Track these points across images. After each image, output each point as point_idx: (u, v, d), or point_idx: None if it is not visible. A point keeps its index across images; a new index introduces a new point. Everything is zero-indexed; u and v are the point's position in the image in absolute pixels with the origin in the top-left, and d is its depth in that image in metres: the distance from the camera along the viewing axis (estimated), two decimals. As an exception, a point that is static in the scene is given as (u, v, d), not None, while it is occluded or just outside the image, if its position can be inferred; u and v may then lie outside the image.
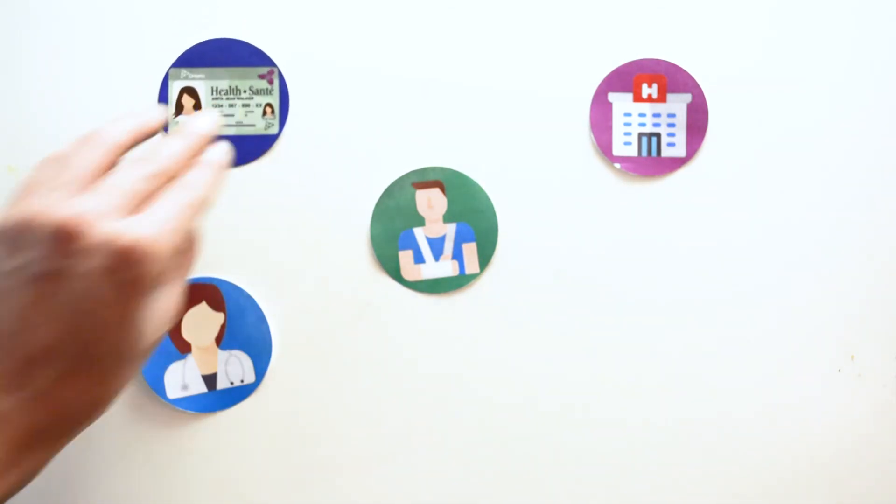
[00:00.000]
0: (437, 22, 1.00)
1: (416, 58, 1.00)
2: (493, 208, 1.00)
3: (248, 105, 1.01)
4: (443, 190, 1.00)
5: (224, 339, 1.00)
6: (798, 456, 0.99)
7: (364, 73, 1.00)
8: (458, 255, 1.00)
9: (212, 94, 1.01)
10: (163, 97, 1.01)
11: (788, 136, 0.99)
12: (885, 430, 0.99)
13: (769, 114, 0.99)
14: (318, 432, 1.01)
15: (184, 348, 0.99)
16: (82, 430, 0.62)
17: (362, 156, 1.01)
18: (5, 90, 1.01)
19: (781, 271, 0.99)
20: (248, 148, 1.01)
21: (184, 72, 1.01)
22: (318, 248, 1.01)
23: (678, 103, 0.99)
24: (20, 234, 0.55)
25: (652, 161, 0.99)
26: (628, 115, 0.99)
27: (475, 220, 1.00)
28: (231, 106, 1.01)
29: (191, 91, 1.01)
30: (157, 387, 0.99)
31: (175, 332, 0.99)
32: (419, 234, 1.00)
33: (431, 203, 1.00)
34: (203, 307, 1.00)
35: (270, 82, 1.01)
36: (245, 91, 1.01)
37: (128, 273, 0.56)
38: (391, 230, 1.00)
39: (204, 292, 1.00)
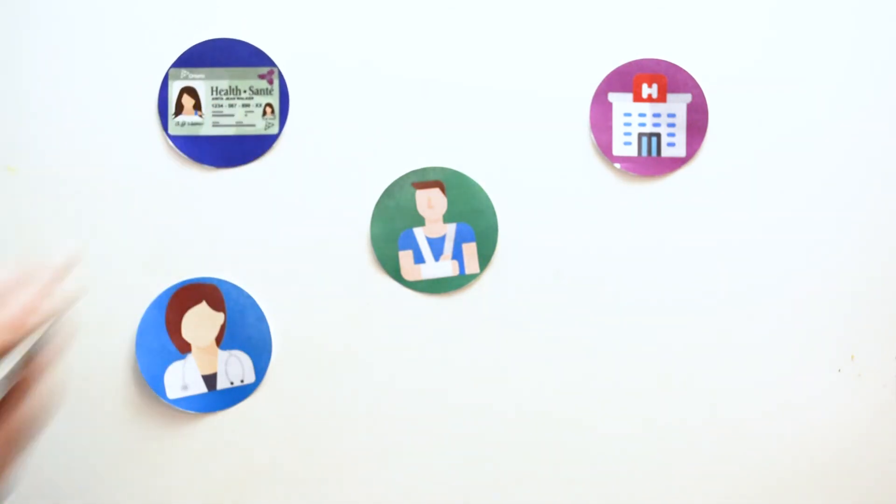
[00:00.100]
0: (437, 22, 1.00)
1: (416, 58, 1.00)
2: (493, 208, 1.00)
3: (248, 105, 1.01)
4: (443, 190, 1.00)
5: (224, 339, 1.00)
6: (798, 454, 0.99)
7: (364, 73, 1.00)
8: (458, 255, 1.00)
9: (212, 94, 1.01)
10: (163, 97, 1.01)
11: (788, 136, 0.99)
12: (885, 429, 0.99)
13: (769, 114, 0.99)
14: (318, 432, 1.01)
15: (184, 348, 0.99)
16: None
17: (362, 156, 1.01)
18: (5, 90, 1.01)
19: (781, 271, 0.99)
20: (248, 148, 1.01)
21: (184, 72, 1.01)
22: (318, 248, 1.01)
23: (678, 103, 0.99)
24: None
25: (652, 161, 0.99)
26: (628, 115, 0.99)
27: (475, 220, 1.00)
28: (231, 106, 1.01)
29: (191, 91, 1.01)
30: (157, 387, 0.99)
31: (175, 332, 0.99)
32: (419, 234, 1.00)
33: (431, 203, 1.00)
34: (203, 307, 1.00)
35: (270, 82, 1.01)
36: (245, 91, 1.01)
37: None
38: (391, 230, 1.00)
39: (204, 292, 1.00)
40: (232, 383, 1.00)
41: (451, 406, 1.00)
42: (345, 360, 1.00)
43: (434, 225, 1.00)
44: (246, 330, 1.00)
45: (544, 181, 1.00)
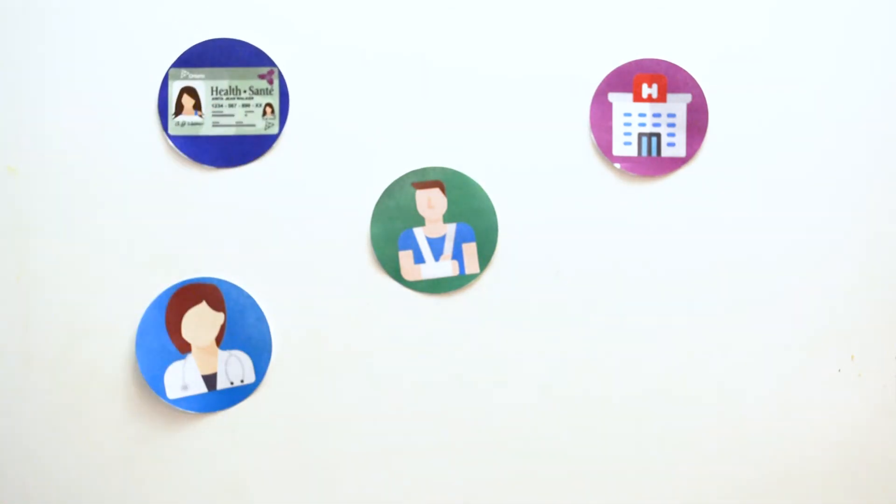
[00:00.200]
0: (437, 23, 1.00)
1: (416, 58, 1.00)
2: (493, 208, 1.00)
3: (248, 105, 1.01)
4: (443, 190, 1.00)
5: (224, 339, 1.00)
6: (799, 454, 0.99)
7: (364, 73, 1.00)
8: (458, 255, 1.00)
9: (212, 94, 1.01)
10: (163, 97, 1.01)
11: (788, 137, 0.99)
12: (885, 429, 0.99)
13: (769, 114, 0.99)
14: (319, 432, 1.01)
15: (184, 348, 0.99)
16: None
17: (362, 156, 1.01)
18: (6, 90, 1.01)
19: (781, 271, 0.99)
20: (248, 148, 1.01)
21: (184, 72, 1.01)
22: (318, 248, 1.01)
23: (678, 103, 0.99)
24: None
25: (652, 161, 0.99)
26: (628, 115, 0.99)
27: (475, 220, 1.00)
28: (231, 106, 1.01)
29: (191, 91, 1.01)
30: (157, 387, 0.99)
31: (175, 332, 0.99)
32: (419, 234, 1.00)
33: (431, 203, 1.00)
34: (203, 307, 1.00)
35: (270, 82, 1.01)
36: (245, 91, 1.01)
37: None
38: (391, 230, 1.00)
39: (204, 292, 1.00)
40: (232, 383, 1.00)
41: (450, 405, 1.00)
42: (345, 360, 1.00)
43: (434, 225, 1.00)
44: (246, 330, 1.00)
45: (544, 181, 1.00)
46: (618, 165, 0.99)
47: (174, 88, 1.01)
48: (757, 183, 0.99)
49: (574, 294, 1.00)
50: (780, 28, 0.99)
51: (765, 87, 0.99)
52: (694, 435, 0.99)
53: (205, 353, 0.99)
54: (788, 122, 0.99)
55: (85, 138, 1.00)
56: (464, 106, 1.00)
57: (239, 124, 1.01)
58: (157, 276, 1.00)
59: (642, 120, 0.99)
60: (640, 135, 0.99)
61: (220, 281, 1.00)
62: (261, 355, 1.00)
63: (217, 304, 1.00)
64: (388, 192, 1.00)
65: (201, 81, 1.01)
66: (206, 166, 1.00)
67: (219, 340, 1.00)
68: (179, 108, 1.01)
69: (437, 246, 1.00)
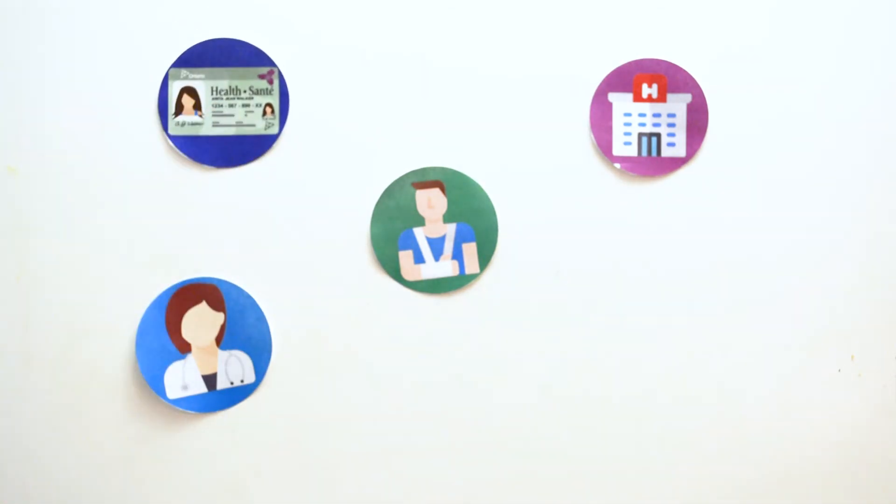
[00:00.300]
0: (437, 23, 1.00)
1: (416, 58, 1.00)
2: (493, 208, 1.00)
3: (248, 105, 1.01)
4: (443, 190, 1.00)
5: (224, 339, 1.00)
6: (799, 454, 0.99)
7: (364, 73, 1.00)
8: (458, 255, 1.00)
9: (212, 94, 1.01)
10: (163, 97, 1.01)
11: (788, 137, 0.99)
12: (885, 429, 0.99)
13: (769, 114, 0.99)
14: (319, 432, 1.01)
15: (184, 348, 0.99)
16: None
17: (362, 156, 1.01)
18: (6, 90, 1.01)
19: (781, 271, 0.99)
20: (248, 148, 1.01)
21: (184, 72, 1.01)
22: (318, 248, 1.01)
23: (678, 103, 0.99)
24: None
25: (652, 161, 0.99)
26: (628, 115, 0.99)
27: (475, 220, 1.00)
28: (231, 106, 1.01)
29: (191, 91, 1.01)
30: (157, 387, 0.99)
31: (175, 332, 0.99)
32: (419, 234, 1.00)
33: (431, 203, 1.00)
34: (203, 307, 1.00)
35: (270, 82, 1.01)
36: (245, 91, 1.01)
37: None
38: (391, 230, 1.00)
39: (204, 292, 1.00)
40: (232, 383, 1.00)
41: (450, 405, 1.00)
42: (345, 360, 1.00)
43: (434, 225, 1.00)
44: (246, 330, 1.00)
45: (544, 181, 1.00)
46: (618, 165, 0.99)
47: (174, 88, 1.01)
48: (757, 183, 0.99)
49: (574, 294, 1.00)
50: (780, 28, 0.99)
51: (765, 87, 0.99)
52: (694, 435, 0.99)
53: (205, 353, 0.99)
54: (788, 122, 0.99)
55: (85, 138, 1.00)
56: (464, 106, 1.00)
57: (239, 124, 1.01)
58: (157, 276, 1.00)
59: (642, 120, 0.99)
60: (640, 135, 0.99)
61: (220, 281, 1.00)
62: (261, 355, 1.00)
63: (217, 304, 1.00)
64: (388, 192, 1.00)
65: (201, 81, 1.01)
66: (206, 166, 1.00)
67: (219, 340, 1.00)
68: (179, 108, 1.01)
69: (437, 246, 1.00)
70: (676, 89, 0.99)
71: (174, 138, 1.00)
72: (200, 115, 1.00)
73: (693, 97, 0.99)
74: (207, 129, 1.00)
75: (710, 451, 0.99)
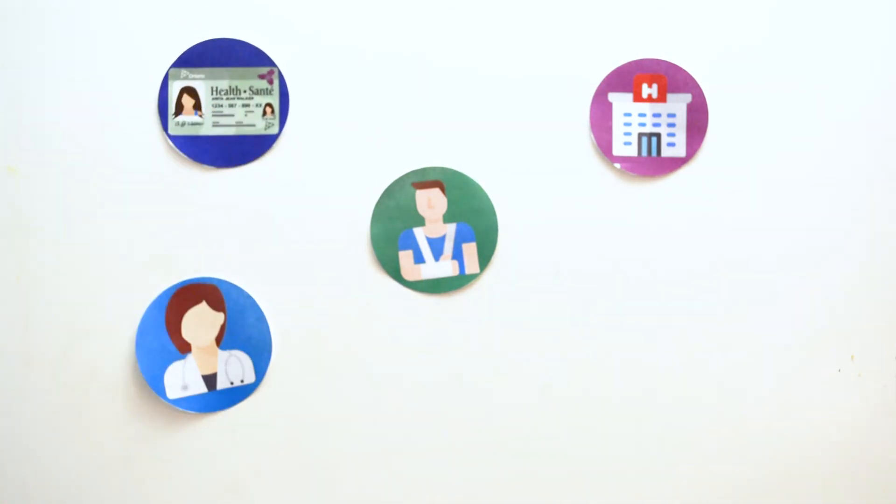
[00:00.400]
0: (438, 23, 1.00)
1: (416, 58, 1.00)
2: (493, 208, 1.00)
3: (248, 105, 1.01)
4: (443, 190, 1.00)
5: (224, 339, 1.00)
6: (799, 454, 0.99)
7: (364, 73, 1.00)
8: (458, 255, 1.00)
9: (212, 94, 1.01)
10: (163, 97, 1.01)
11: (788, 136, 0.99)
12: (885, 429, 0.99)
13: (769, 114, 0.99)
14: (319, 432, 1.01)
15: (184, 348, 0.99)
16: None
17: (362, 156, 1.01)
18: (5, 90, 1.01)
19: (781, 271, 0.99)
20: (248, 148, 1.01)
21: (184, 72, 1.01)
22: (318, 248, 1.01)
23: (678, 103, 0.99)
24: None
25: (652, 161, 0.99)
26: (628, 115, 0.99)
27: (475, 220, 1.00)
28: (231, 106, 1.01)
29: (191, 91, 1.01)
30: (157, 387, 0.99)
31: (175, 332, 0.99)
32: (419, 234, 1.00)
33: (431, 203, 1.00)
34: (203, 307, 1.00)
35: (270, 82, 1.01)
36: (245, 91, 1.01)
37: None
38: (391, 230, 1.00)
39: (204, 292, 1.00)
40: (232, 383, 1.00)
41: (450, 405, 1.00)
42: (345, 360, 1.00)
43: (434, 225, 1.00)
44: (246, 330, 1.00)
45: (544, 181, 1.00)
46: (618, 165, 0.99)
47: (174, 88, 1.01)
48: (757, 183, 0.99)
49: (574, 294, 1.00)
50: (780, 28, 0.99)
51: (765, 87, 0.99)
52: (694, 435, 0.99)
53: (205, 353, 0.99)
54: (788, 122, 0.99)
55: (85, 138, 1.00)
56: (464, 106, 1.00)
57: (239, 124, 1.01)
58: (157, 276, 1.00)
59: (642, 120, 0.99)
60: (640, 135, 0.99)
61: (220, 281, 1.00)
62: (261, 355, 1.00)
63: (217, 304, 1.00)
64: (388, 192, 1.00)
65: (201, 81, 1.01)
66: (206, 166, 1.00)
67: (219, 340, 1.00)
68: (179, 108, 1.01)
69: (437, 246, 1.00)
70: (676, 89, 0.99)
71: (174, 138, 1.00)
72: (200, 115, 1.00)
73: (693, 97, 0.99)
74: (207, 129, 1.00)
75: (710, 451, 0.99)
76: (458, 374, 1.00)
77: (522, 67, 1.00)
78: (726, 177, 0.99)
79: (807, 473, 0.99)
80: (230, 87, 1.00)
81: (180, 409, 0.99)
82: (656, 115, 0.99)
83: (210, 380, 0.99)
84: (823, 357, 0.99)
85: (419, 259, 1.00)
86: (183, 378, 0.99)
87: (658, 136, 0.99)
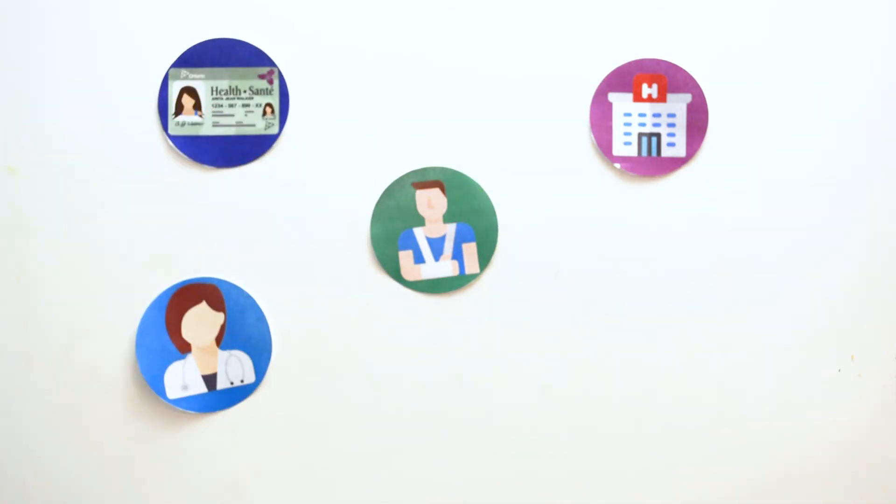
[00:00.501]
0: (438, 23, 1.00)
1: (416, 58, 1.00)
2: (493, 208, 1.00)
3: (248, 105, 1.01)
4: (443, 190, 1.00)
5: (224, 339, 1.00)
6: (799, 454, 0.99)
7: (364, 73, 1.00)
8: (458, 255, 1.00)
9: (212, 94, 1.01)
10: (163, 97, 1.01)
11: (788, 137, 0.99)
12: (885, 429, 0.99)
13: (769, 114, 0.99)
14: (319, 432, 1.01)
15: (184, 348, 0.99)
16: None
17: (362, 156, 1.01)
18: (5, 90, 1.01)
19: (781, 271, 0.99)
20: (248, 148, 1.01)
21: (184, 72, 1.01)
22: (318, 248, 1.01)
23: (678, 103, 0.99)
24: None
25: (652, 161, 0.99)
26: (628, 115, 0.99)
27: (475, 220, 1.00)
28: (231, 106, 1.01)
29: (191, 91, 1.01)
30: (157, 387, 0.99)
31: (175, 332, 0.99)
32: (419, 234, 1.00)
33: (431, 203, 1.00)
34: (203, 307, 1.00)
35: (270, 82, 1.01)
36: (245, 91, 1.01)
37: None
38: (391, 230, 1.00)
39: (204, 292, 1.00)
40: (232, 383, 1.00)
41: (450, 405, 1.00)
42: (345, 360, 1.00)
43: (434, 225, 1.00)
44: (246, 330, 1.00)
45: (544, 181, 1.00)
46: (618, 165, 0.99)
47: (174, 88, 1.01)
48: (757, 183, 0.99)
49: (574, 294, 1.00)
50: (780, 28, 0.99)
51: (765, 87, 0.99)
52: (694, 435, 0.99)
53: (205, 353, 0.99)
54: (788, 122, 0.99)
55: (85, 138, 1.00)
56: (464, 106, 1.00)
57: (239, 124, 1.01)
58: (157, 276, 1.00)
59: (642, 120, 0.99)
60: (640, 135, 0.99)
61: (220, 281, 1.00)
62: (261, 355, 1.00)
63: (217, 304, 1.00)
64: (388, 192, 1.00)
65: (201, 81, 1.01)
66: (206, 166, 1.00)
67: (219, 340, 1.00)
68: (179, 108, 1.01)
69: (437, 246, 1.00)
70: (676, 89, 0.99)
71: (174, 138, 1.00)
72: (200, 115, 1.00)
73: (693, 97, 0.99)
74: (207, 129, 1.00)
75: (710, 451, 0.99)
76: (458, 374, 1.00)
77: (522, 67, 1.00)
78: (726, 177, 0.99)
79: (807, 473, 0.99)
80: (230, 87, 1.00)
81: (180, 409, 0.99)
82: (656, 115, 0.99)
83: (210, 380, 0.99)
84: (823, 357, 0.99)
85: (419, 259, 1.00)
86: (183, 378, 0.99)
87: (658, 136, 0.99)
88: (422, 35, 1.00)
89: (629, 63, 0.99)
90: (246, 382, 1.00)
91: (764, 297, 0.99)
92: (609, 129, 0.99)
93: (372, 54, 1.00)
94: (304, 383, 1.00)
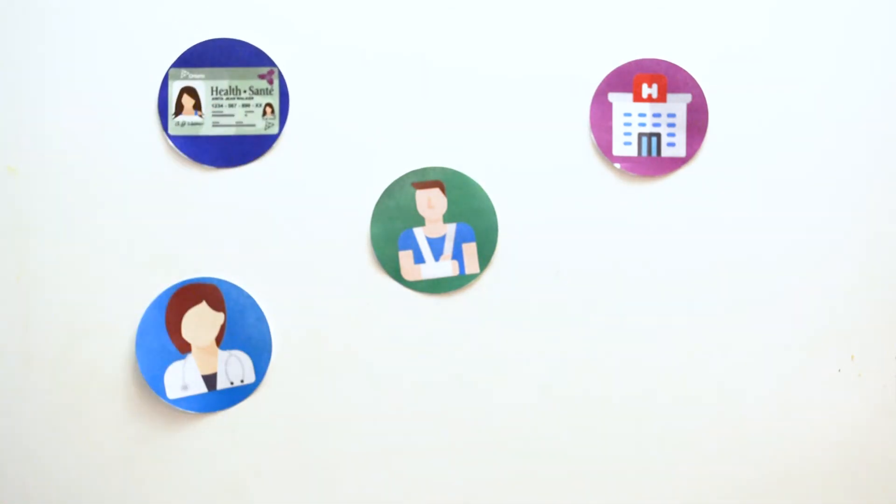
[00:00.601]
0: (438, 23, 1.00)
1: (416, 58, 1.00)
2: (493, 208, 1.00)
3: (248, 105, 1.01)
4: (443, 190, 1.00)
5: (224, 339, 1.00)
6: (799, 454, 0.99)
7: (364, 73, 1.00)
8: (458, 255, 1.00)
9: (212, 94, 1.01)
10: (163, 97, 1.01)
11: (788, 137, 0.99)
12: (885, 429, 0.99)
13: (769, 114, 0.99)
14: (319, 432, 1.01)
15: (184, 348, 0.99)
16: None
17: (362, 156, 1.01)
18: (5, 90, 1.01)
19: (781, 271, 0.99)
20: (248, 148, 1.01)
21: (184, 72, 1.01)
22: (318, 248, 1.01)
23: (678, 103, 0.99)
24: None
25: (652, 161, 0.99)
26: (628, 115, 0.99)
27: (475, 220, 1.00)
28: (231, 106, 1.01)
29: (191, 91, 1.01)
30: (157, 387, 0.99)
31: (175, 332, 0.99)
32: (419, 234, 1.00)
33: (431, 203, 1.00)
34: (203, 307, 1.00)
35: (270, 82, 1.01)
36: (245, 91, 1.01)
37: None
38: (391, 230, 1.00)
39: (204, 292, 1.00)
40: (232, 383, 1.00)
41: (450, 405, 1.00)
42: (345, 360, 1.00)
43: (434, 225, 1.00)
44: (246, 330, 1.00)
45: (544, 181, 1.00)
46: (618, 165, 0.99)
47: (174, 88, 1.01)
48: (757, 183, 0.99)
49: (574, 294, 1.00)
50: (780, 28, 0.99)
51: (765, 87, 0.99)
52: (694, 435, 0.99)
53: (205, 353, 0.99)
54: (788, 122, 0.99)
55: (85, 138, 1.00)
56: (464, 106, 1.00)
57: (239, 124, 1.01)
58: (157, 276, 1.00)
59: (642, 120, 0.99)
60: (640, 135, 0.99)
61: (220, 281, 1.00)
62: (261, 355, 1.00)
63: (217, 304, 1.00)
64: (388, 192, 1.00)
65: (201, 81, 1.01)
66: (206, 166, 1.00)
67: (219, 340, 1.00)
68: (179, 108, 1.01)
69: (437, 246, 1.00)
70: (676, 89, 0.99)
71: (174, 138, 1.00)
72: (200, 115, 1.00)
73: (693, 97, 0.99)
74: (207, 129, 1.00)
75: (710, 451, 0.99)
76: (458, 374, 1.00)
77: (522, 67, 1.00)
78: (726, 177, 0.99)
79: (807, 473, 0.99)
80: (230, 87, 1.00)
81: (180, 409, 0.99)
82: (656, 115, 0.99)
83: (210, 380, 0.99)
84: (823, 357, 0.99)
85: (419, 259, 1.00)
86: (183, 378, 0.99)
87: (658, 136, 0.99)
88: (422, 35, 1.00)
89: (629, 63, 0.99)
90: (246, 382, 1.00)
91: (764, 297, 0.99)
92: (609, 129, 0.99)
93: (372, 54, 1.00)
94: (304, 383, 1.00)
